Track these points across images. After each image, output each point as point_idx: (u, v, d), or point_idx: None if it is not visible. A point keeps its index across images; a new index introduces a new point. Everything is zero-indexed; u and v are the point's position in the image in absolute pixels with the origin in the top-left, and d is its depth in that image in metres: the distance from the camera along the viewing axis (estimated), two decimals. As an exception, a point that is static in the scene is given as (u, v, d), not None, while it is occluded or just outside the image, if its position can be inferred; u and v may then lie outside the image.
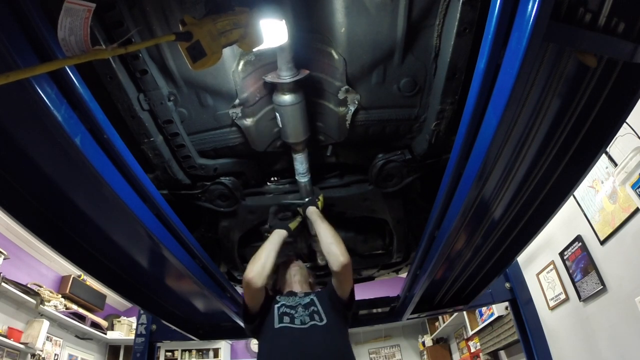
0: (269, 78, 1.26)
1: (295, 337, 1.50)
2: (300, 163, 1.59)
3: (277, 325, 1.54)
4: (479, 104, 0.96)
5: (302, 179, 1.68)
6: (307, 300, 1.65)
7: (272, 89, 1.34)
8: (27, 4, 0.76)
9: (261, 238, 2.06)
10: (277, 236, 1.75)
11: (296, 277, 1.83)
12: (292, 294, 1.73)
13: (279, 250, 1.72)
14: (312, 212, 1.76)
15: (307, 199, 1.80)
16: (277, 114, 1.37)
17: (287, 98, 1.30)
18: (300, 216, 1.85)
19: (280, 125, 1.41)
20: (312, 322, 1.54)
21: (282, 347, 1.49)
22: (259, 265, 1.60)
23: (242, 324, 2.18)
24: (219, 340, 5.87)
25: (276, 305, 1.63)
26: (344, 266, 1.55)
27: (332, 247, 1.59)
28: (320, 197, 1.79)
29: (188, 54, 0.88)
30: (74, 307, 4.78)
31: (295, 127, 1.40)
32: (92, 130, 0.99)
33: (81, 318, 4.84)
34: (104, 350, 5.37)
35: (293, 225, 1.82)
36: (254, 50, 1.12)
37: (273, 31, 1.06)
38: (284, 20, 1.05)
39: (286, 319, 1.56)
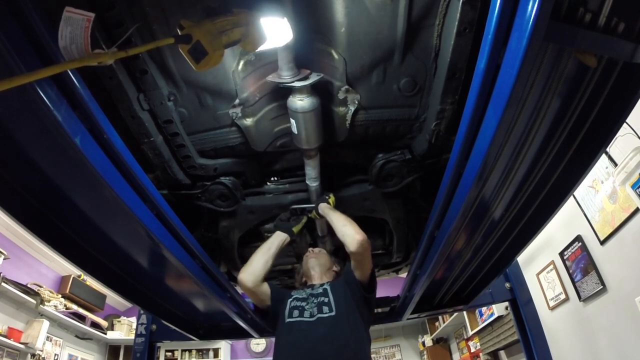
0: (271, 78, 1.26)
1: (303, 331, 1.49)
2: (313, 168, 1.59)
3: (287, 320, 1.55)
4: (479, 104, 0.95)
5: (313, 183, 1.68)
6: (319, 290, 1.64)
7: (272, 88, 1.33)
8: (28, 5, 0.75)
9: (261, 238, 2.06)
10: (277, 238, 1.75)
11: (315, 269, 1.81)
12: (310, 286, 1.73)
13: (278, 252, 1.72)
14: (324, 207, 1.74)
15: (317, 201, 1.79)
16: (292, 120, 1.34)
17: (304, 104, 1.28)
18: (307, 218, 1.84)
19: (295, 132, 1.38)
20: (319, 315, 1.52)
21: (290, 342, 1.49)
22: (250, 266, 1.66)
23: (243, 324, 2.18)
24: (219, 340, 5.87)
25: (289, 300, 1.63)
26: (361, 243, 1.52)
27: (345, 228, 1.58)
28: (331, 196, 1.79)
29: (190, 56, 0.88)
30: (74, 307, 4.77)
31: (311, 133, 1.38)
32: (92, 130, 0.98)
33: (81, 318, 4.84)
34: (104, 350, 5.37)
35: (297, 228, 1.81)
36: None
37: (276, 30, 1.06)
38: (285, 18, 1.04)
39: (295, 312, 1.56)
